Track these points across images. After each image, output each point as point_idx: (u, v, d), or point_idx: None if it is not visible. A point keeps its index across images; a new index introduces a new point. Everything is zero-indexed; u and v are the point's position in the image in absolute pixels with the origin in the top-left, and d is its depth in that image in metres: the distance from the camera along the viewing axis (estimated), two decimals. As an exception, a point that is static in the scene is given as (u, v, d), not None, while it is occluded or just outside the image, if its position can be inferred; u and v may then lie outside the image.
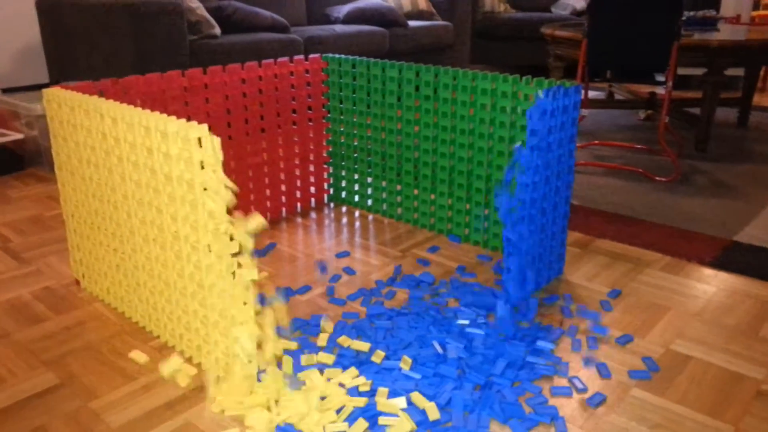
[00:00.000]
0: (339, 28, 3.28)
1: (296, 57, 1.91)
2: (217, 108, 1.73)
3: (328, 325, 1.35)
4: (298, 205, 2.05)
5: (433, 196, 1.85)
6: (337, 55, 1.96)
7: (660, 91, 3.45)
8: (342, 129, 2.02)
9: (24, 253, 1.72)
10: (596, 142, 2.80)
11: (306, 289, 1.53)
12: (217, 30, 2.78)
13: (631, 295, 1.52)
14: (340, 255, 1.72)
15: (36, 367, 1.23)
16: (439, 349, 1.25)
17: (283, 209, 2.01)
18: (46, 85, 2.72)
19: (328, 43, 3.14)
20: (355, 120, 1.97)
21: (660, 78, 3.03)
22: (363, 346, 1.27)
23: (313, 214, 2.02)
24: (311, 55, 1.95)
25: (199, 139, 1.06)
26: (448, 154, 1.76)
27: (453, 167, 1.77)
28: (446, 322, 1.37)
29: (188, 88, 1.66)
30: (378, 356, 1.23)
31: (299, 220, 1.98)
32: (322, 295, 1.50)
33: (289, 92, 1.90)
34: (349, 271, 1.63)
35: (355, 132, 1.98)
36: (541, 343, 1.30)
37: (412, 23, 3.65)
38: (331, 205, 2.11)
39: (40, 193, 2.19)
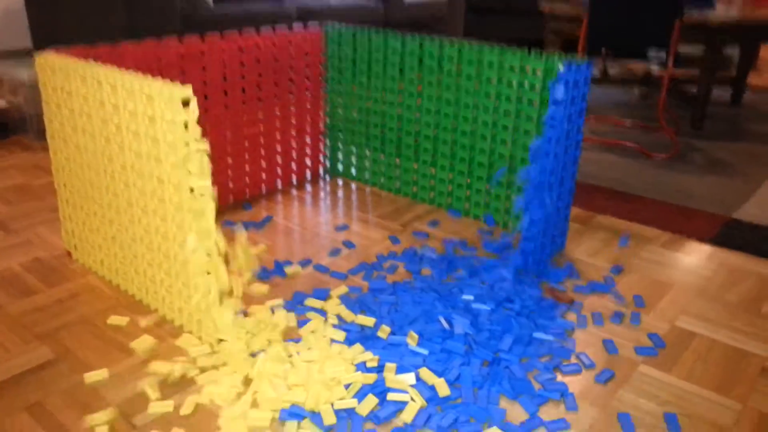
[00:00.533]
0: (333, 1, 3.21)
1: (295, 26, 1.85)
2: (213, 76, 1.68)
3: (332, 302, 1.32)
4: (294, 177, 2.01)
5: (433, 170, 1.82)
6: (336, 25, 1.91)
7: (656, 68, 3.44)
8: (340, 101, 1.97)
9: (12, 223, 1.67)
10: (592, 117, 2.78)
11: (306, 262, 1.50)
12: (208, -3, 2.70)
13: (633, 271, 1.51)
14: (339, 228, 1.69)
15: (29, 341, 1.19)
16: (446, 325, 1.23)
17: (279, 181, 1.96)
18: (30, 51, 2.63)
19: (322, 14, 3.06)
20: (354, 92, 1.92)
21: (652, 54, 3.02)
22: (368, 321, 1.24)
23: (309, 187, 1.98)
24: (310, 24, 1.89)
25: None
26: (450, 128, 1.73)
27: (455, 141, 1.74)
28: (451, 296, 1.34)
29: (185, 56, 1.61)
30: (384, 331, 1.21)
31: (295, 192, 1.94)
32: (323, 268, 1.47)
33: (288, 62, 1.85)
34: (349, 244, 1.59)
35: (354, 104, 1.94)
36: (547, 320, 1.28)
37: (406, -5, 3.57)
38: (327, 177, 2.07)
39: (27, 161, 2.12)
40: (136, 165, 1.19)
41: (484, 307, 1.30)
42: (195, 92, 1.65)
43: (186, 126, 1.07)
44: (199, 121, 1.67)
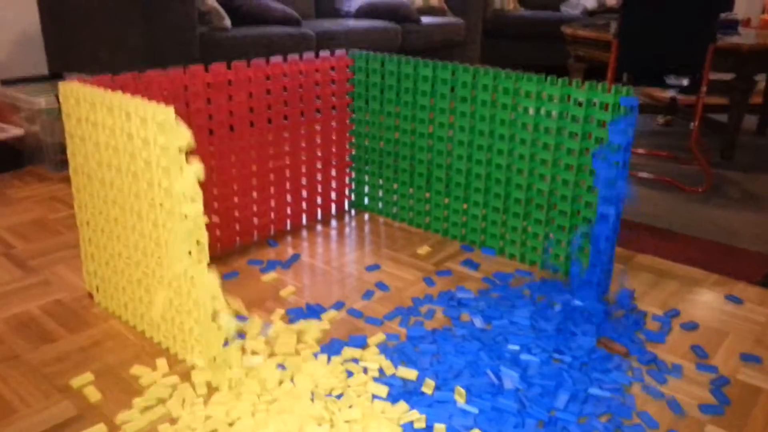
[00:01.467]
0: (351, 22, 3.16)
1: (321, 53, 1.79)
2: (240, 106, 1.61)
3: (371, 351, 1.24)
4: (319, 211, 1.94)
5: (465, 206, 1.75)
6: (364, 52, 1.85)
7: (675, 94, 3.37)
8: (367, 131, 1.91)
9: (29, 260, 1.60)
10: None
11: (339, 305, 1.42)
12: (228, 22, 2.65)
13: (685, 317, 1.43)
14: (370, 268, 1.61)
15: (51, 394, 1.11)
16: (494, 379, 1.15)
17: (304, 215, 1.89)
18: (46, 78, 2.58)
19: (340, 38, 3.02)
20: (381, 122, 1.86)
21: (671, 81, 2.95)
22: (410, 373, 1.16)
23: (335, 222, 1.91)
24: (337, 51, 1.84)
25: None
26: (484, 161, 1.66)
27: (489, 175, 1.67)
28: (495, 345, 1.26)
29: (211, 84, 1.54)
30: (428, 386, 1.13)
31: (320, 228, 1.86)
32: (356, 312, 1.39)
33: (314, 90, 1.79)
34: (382, 286, 1.52)
35: (382, 135, 1.87)
36: (601, 373, 1.20)
37: (424, 19, 3.53)
38: (353, 212, 2.00)
39: (43, 193, 2.06)
40: (166, 203, 1.12)
41: (533, 359, 1.22)
42: (221, 124, 1.58)
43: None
44: (225, 155, 1.61)
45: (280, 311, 1.38)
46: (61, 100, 1.31)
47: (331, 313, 1.38)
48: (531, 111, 1.54)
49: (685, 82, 3.69)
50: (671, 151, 2.71)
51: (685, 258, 1.71)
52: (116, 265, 1.30)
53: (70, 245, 1.68)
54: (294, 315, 1.38)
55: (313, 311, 1.39)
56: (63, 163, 2.25)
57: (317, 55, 1.78)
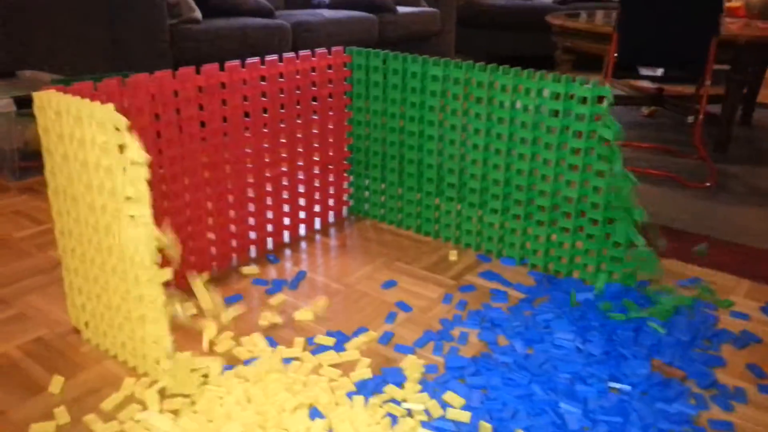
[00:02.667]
0: (327, 13, 2.99)
1: (318, 50, 1.63)
2: (234, 111, 1.44)
3: (411, 387, 1.11)
4: (317, 220, 1.79)
5: (480, 213, 1.62)
6: (363, 49, 1.70)
7: (649, 85, 3.33)
8: (367, 133, 1.76)
9: (-1, 290, 1.40)
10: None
11: (361, 331, 1.28)
12: (198, 14, 2.45)
13: (729, 332, 1.34)
14: (386, 285, 1.47)
15: (46, 461, 0.94)
16: (556, 418, 1.04)
17: (302, 226, 1.74)
18: (3, 74, 2.33)
19: (317, 29, 2.85)
20: (384, 123, 1.71)
21: (644, 71, 2.88)
22: (462, 415, 1.03)
23: (335, 231, 1.76)
24: (334, 48, 1.68)
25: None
26: (504, 166, 1.54)
27: (508, 181, 1.55)
28: (545, 374, 1.15)
29: (204, 88, 1.37)
30: (485, 429, 1.00)
31: (320, 238, 1.71)
32: (384, 340, 1.26)
33: (310, 91, 1.63)
34: (404, 307, 1.38)
35: (385, 137, 1.73)
36: (663, 402, 1.09)
37: (400, 9, 3.39)
38: (352, 218, 1.85)
39: (3, 206, 1.83)
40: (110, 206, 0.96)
41: (590, 390, 1.11)
42: (215, 132, 1.41)
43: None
44: (219, 165, 1.44)
45: (300, 340, 1.23)
46: (36, 112, 1.12)
47: (356, 341, 1.24)
48: (559, 113, 1.43)
49: (659, 72, 3.66)
50: (661, 144, 2.65)
51: (709, 262, 1.63)
52: (110, 299, 1.13)
53: (42, 269, 1.49)
54: (315, 345, 1.23)
55: (336, 339, 1.24)
56: (23, 171, 2.03)
57: (300, 52, 1.62)
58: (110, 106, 0.97)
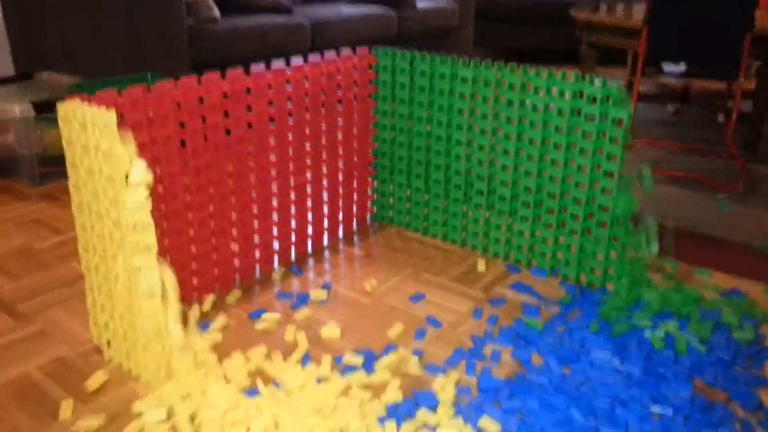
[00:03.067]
0: (345, 9, 2.94)
1: (343, 51, 1.59)
2: (260, 117, 1.40)
3: (444, 412, 1.07)
4: (341, 228, 1.74)
5: (510, 221, 1.57)
6: (389, 49, 1.65)
7: (673, 81, 3.25)
8: (392, 137, 1.71)
9: (19, 305, 1.37)
10: (638, 141, 2.56)
11: (391, 349, 1.24)
12: (216, 12, 2.41)
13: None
14: (414, 298, 1.43)
15: (72, 492, 0.91)
16: (598, 446, 0.99)
17: (326, 234, 1.70)
18: (13, 78, 2.31)
19: (336, 26, 2.80)
20: (410, 127, 1.67)
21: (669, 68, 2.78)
22: (500, 443, 0.99)
23: (359, 240, 1.72)
24: (359, 49, 1.63)
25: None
26: (536, 173, 1.48)
27: (540, 187, 1.49)
28: (583, 397, 1.10)
29: (229, 94, 1.33)
30: (525, 460, 0.96)
31: (345, 247, 1.67)
32: (411, 357, 1.22)
33: (335, 95, 1.58)
34: (434, 322, 1.34)
35: (411, 142, 1.68)
36: (709, 428, 1.05)
37: (419, 4, 3.33)
38: (376, 225, 1.81)
39: (23, 215, 1.81)
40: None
41: (631, 415, 1.06)
42: (240, 139, 1.37)
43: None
44: (244, 175, 1.40)
45: (328, 359, 1.19)
46: (60, 123, 1.08)
47: (386, 360, 1.20)
48: (595, 118, 1.37)
49: (682, 67, 3.58)
50: (687, 142, 2.58)
51: (749, 272, 1.57)
52: (135, 318, 1.09)
53: (65, 282, 1.46)
54: (343, 365, 1.19)
55: (368, 362, 1.20)
56: (42, 178, 2.00)
57: (325, 53, 1.57)
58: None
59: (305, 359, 1.21)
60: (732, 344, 1.28)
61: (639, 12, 2.79)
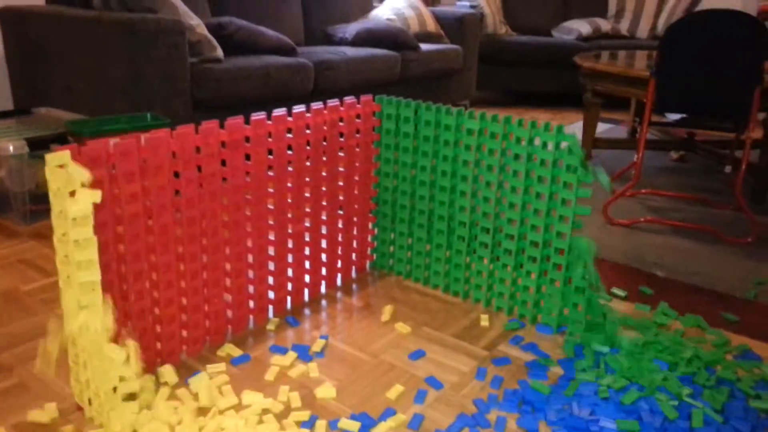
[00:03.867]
0: (349, 51, 2.93)
1: (346, 99, 1.55)
2: (258, 167, 1.36)
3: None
4: (339, 276, 1.69)
5: (515, 275, 1.52)
6: (393, 98, 1.62)
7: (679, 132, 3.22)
8: (395, 185, 1.67)
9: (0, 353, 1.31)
10: (644, 191, 2.52)
11: (389, 413, 1.17)
12: (220, 52, 2.39)
13: (791, 418, 1.22)
14: (414, 356, 1.37)
15: None
16: None
17: (323, 283, 1.64)
18: (11, 113, 2.27)
19: (339, 67, 2.78)
20: (413, 176, 1.62)
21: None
22: None
23: (358, 288, 1.66)
24: (362, 97, 1.60)
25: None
26: (543, 227, 1.44)
27: (546, 242, 1.44)
28: (594, 474, 1.03)
29: (227, 143, 1.29)
30: None
31: (343, 296, 1.61)
32: (414, 424, 1.15)
33: (337, 143, 1.54)
34: (435, 383, 1.27)
35: (414, 191, 1.63)
36: None
37: (423, 46, 3.32)
38: (375, 274, 1.75)
39: (11, 254, 1.75)
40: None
41: (646, 495, 0.99)
42: (236, 189, 1.32)
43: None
44: (240, 224, 1.35)
45: (322, 424, 1.13)
46: (48, 177, 1.03)
47: (383, 426, 1.13)
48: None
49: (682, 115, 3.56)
50: (693, 192, 2.54)
51: (761, 333, 1.51)
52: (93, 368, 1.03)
53: (47, 330, 1.39)
54: (338, 430, 1.12)
55: (362, 423, 1.14)
56: (34, 215, 1.95)
57: (339, 100, 1.54)
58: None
59: (304, 424, 1.14)
60: (750, 414, 1.21)
61: (641, 59, 2.78)
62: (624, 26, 4.56)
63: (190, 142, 1.20)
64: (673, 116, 3.62)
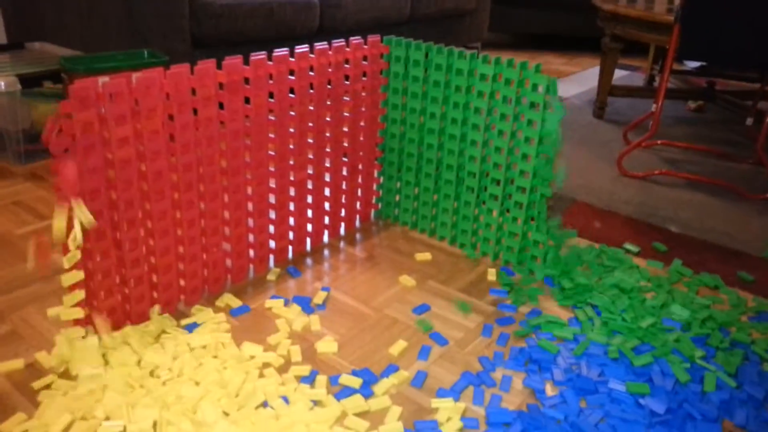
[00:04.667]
0: (357, -13, 2.79)
1: (353, 40, 1.46)
2: (258, 111, 1.29)
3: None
4: (342, 225, 1.64)
5: (524, 228, 1.46)
6: (402, 39, 1.52)
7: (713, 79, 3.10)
8: (402, 132, 1.59)
9: (-9, 300, 1.27)
10: (659, 141, 2.44)
11: (392, 369, 1.14)
12: (220, -13, 2.27)
13: (806, 383, 1.18)
14: (418, 310, 1.33)
15: None
16: (619, 500, 0.89)
17: (326, 232, 1.59)
18: (3, 47, 2.18)
19: (346, 6, 2.65)
20: (422, 123, 1.55)
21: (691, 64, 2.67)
22: (510, 492, 0.89)
23: (362, 238, 1.61)
24: (369, 37, 1.51)
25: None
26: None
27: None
28: (601, 439, 1.00)
29: (225, 85, 1.21)
30: None
31: (346, 247, 1.57)
32: (417, 382, 1.11)
33: (343, 86, 1.46)
34: (439, 339, 1.24)
35: (422, 139, 1.56)
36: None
37: (434, -15, 3.17)
38: (380, 223, 1.70)
39: (5, 195, 1.70)
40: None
41: (655, 461, 0.96)
42: (235, 134, 1.25)
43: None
44: (239, 171, 1.29)
45: (323, 379, 1.09)
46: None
47: (385, 383, 1.10)
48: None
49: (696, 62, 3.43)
50: (711, 144, 2.45)
51: (778, 295, 1.47)
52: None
53: (42, 275, 1.35)
54: (339, 386, 1.09)
55: (365, 384, 1.10)
56: (29, 155, 1.89)
57: (346, 40, 1.45)
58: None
59: (304, 379, 1.11)
60: (764, 379, 1.17)
61: (661, 3, 2.64)
62: (645, -33, 4.36)
63: (184, 84, 1.12)
64: (692, 64, 3.50)
